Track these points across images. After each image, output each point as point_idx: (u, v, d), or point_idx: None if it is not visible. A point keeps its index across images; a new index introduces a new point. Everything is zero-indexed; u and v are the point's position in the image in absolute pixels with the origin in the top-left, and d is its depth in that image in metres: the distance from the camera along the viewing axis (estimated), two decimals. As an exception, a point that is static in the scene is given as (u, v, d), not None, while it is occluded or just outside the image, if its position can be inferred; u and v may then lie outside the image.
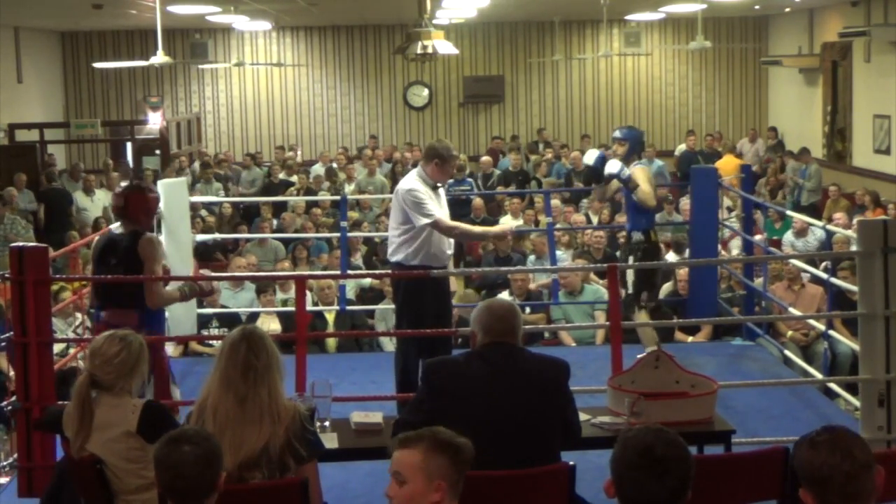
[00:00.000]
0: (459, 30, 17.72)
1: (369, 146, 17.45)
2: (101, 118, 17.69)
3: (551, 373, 3.65)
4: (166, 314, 6.29)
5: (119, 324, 5.14)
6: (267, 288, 8.61)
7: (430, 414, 3.48)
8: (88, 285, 6.31)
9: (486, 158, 15.60)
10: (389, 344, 8.06)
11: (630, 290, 6.95)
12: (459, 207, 10.77)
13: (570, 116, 19.08)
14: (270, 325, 8.33)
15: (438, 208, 5.73)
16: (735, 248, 10.19)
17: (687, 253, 8.76)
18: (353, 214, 12.26)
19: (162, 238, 6.71)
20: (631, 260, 6.90)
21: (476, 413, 3.48)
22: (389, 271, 6.18)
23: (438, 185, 5.81)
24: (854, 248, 6.62)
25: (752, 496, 3.76)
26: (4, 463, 5.50)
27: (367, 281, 9.50)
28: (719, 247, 8.74)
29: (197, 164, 16.32)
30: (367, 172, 15.25)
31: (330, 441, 4.07)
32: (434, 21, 10.45)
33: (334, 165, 15.76)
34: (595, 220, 11.76)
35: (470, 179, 13.92)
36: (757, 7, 16.70)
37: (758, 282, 7.81)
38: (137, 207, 5.39)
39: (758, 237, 8.85)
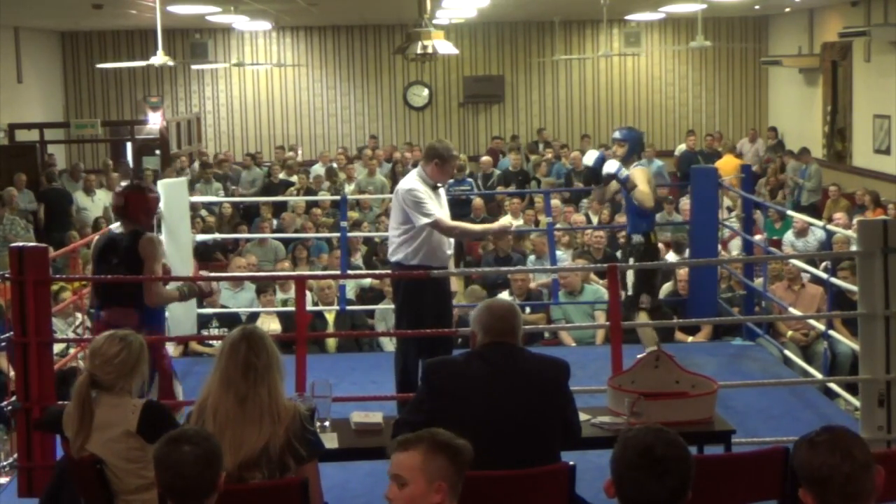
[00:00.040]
0: (459, 30, 17.72)
1: (369, 146, 17.45)
2: (101, 118, 17.69)
3: (551, 373, 3.65)
4: (166, 314, 6.29)
5: (119, 322, 5.15)
6: (267, 288, 8.61)
7: (430, 414, 3.48)
8: (88, 285, 6.32)
9: (486, 158, 15.61)
10: (389, 344, 8.06)
11: (630, 292, 6.94)
12: (459, 207, 10.77)
13: (570, 116, 19.08)
14: (270, 325, 8.33)
15: (439, 208, 5.73)
16: (735, 248, 10.20)
17: (687, 253, 8.76)
18: (353, 214, 12.26)
19: (162, 238, 6.71)
20: (631, 262, 6.90)
21: (476, 413, 3.49)
22: (389, 271, 6.19)
23: (438, 185, 5.81)
24: (854, 248, 6.62)
25: (752, 496, 3.76)
26: (4, 463, 5.50)
27: (367, 281, 9.50)
28: (719, 247, 8.74)
29: (196, 165, 16.31)
30: (367, 172, 15.25)
31: (330, 441, 4.07)
32: (434, 21, 10.45)
33: (334, 165, 15.76)
34: (595, 220, 11.76)
35: (470, 179, 13.92)
36: (757, 7, 16.70)
37: (758, 282, 7.82)
38: (137, 207, 5.40)
39: (758, 237, 8.85)
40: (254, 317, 8.52)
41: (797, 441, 2.46)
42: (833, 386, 6.50)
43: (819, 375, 6.86)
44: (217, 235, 10.42)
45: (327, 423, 4.25)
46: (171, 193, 7.47)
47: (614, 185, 7.03)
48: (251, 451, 3.31)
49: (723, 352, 7.55)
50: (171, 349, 7.50)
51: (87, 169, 16.11)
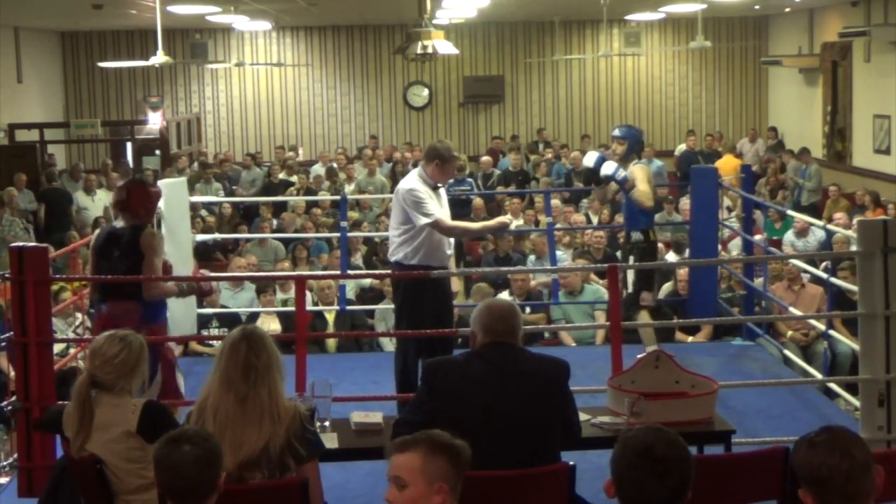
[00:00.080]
0: (459, 30, 17.71)
1: (369, 146, 17.45)
2: (101, 118, 17.69)
3: (551, 373, 3.65)
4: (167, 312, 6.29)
5: (122, 314, 5.17)
6: (267, 288, 8.61)
7: (430, 414, 3.48)
8: (89, 285, 6.31)
9: (486, 158, 15.61)
10: (389, 344, 8.06)
11: (630, 290, 6.94)
12: (459, 207, 10.77)
13: (570, 116, 19.08)
14: (270, 325, 8.33)
15: (439, 208, 5.73)
16: (735, 248, 10.19)
17: (687, 253, 8.76)
18: (353, 214, 12.26)
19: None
20: (631, 259, 6.90)
21: (476, 413, 3.49)
22: (389, 271, 6.19)
23: (439, 185, 5.82)
24: (854, 248, 6.62)
25: (752, 496, 3.76)
26: (4, 463, 5.50)
27: (367, 281, 9.49)
28: (719, 247, 8.74)
29: (196, 165, 16.30)
30: (367, 172, 15.25)
31: (330, 441, 4.07)
32: (434, 21, 10.45)
33: (334, 165, 15.76)
34: (595, 220, 11.77)
35: (470, 179, 13.92)
36: (757, 7, 16.70)
37: (758, 282, 7.82)
38: (139, 201, 5.40)
39: (758, 237, 8.85)
40: (254, 317, 8.52)
41: (797, 441, 2.46)
42: (833, 386, 6.50)
43: (819, 375, 6.86)
44: (217, 235, 10.42)
45: (327, 423, 4.25)
46: (171, 193, 7.46)
47: (615, 184, 7.03)
48: (251, 451, 3.31)
49: (723, 352, 7.54)
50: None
51: (87, 169, 16.11)
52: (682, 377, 4.59)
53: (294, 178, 15.09)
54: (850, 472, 2.35)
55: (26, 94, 16.70)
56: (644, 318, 6.86)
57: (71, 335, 7.41)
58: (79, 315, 7.68)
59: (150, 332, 5.22)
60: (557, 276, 8.30)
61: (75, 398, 3.61)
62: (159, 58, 11.06)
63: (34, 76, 17.07)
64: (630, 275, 7.07)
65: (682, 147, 17.46)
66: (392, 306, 6.86)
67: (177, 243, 7.35)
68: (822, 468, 2.36)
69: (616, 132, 7.16)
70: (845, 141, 15.42)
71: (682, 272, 8.23)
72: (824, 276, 7.08)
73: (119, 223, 5.45)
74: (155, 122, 17.30)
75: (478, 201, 12.28)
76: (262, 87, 18.78)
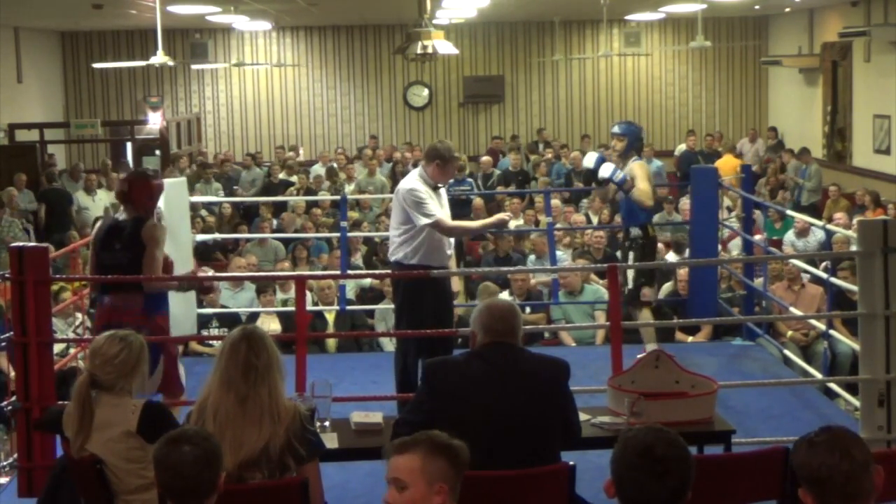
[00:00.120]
0: (459, 30, 17.72)
1: (369, 146, 17.45)
2: (101, 118, 17.69)
3: (551, 373, 3.65)
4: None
5: (124, 306, 5.16)
6: (267, 288, 8.61)
7: (430, 414, 3.48)
8: (89, 285, 6.31)
9: (486, 158, 15.61)
10: (389, 344, 8.06)
11: (630, 286, 6.93)
12: (459, 207, 10.78)
13: (570, 116, 19.08)
14: (270, 325, 8.33)
15: (439, 208, 5.73)
16: (735, 248, 10.20)
17: (687, 253, 8.76)
18: (353, 214, 12.26)
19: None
20: (630, 255, 6.90)
21: (476, 413, 3.49)
22: (389, 271, 6.18)
23: (439, 185, 5.82)
24: (854, 248, 6.62)
25: (752, 496, 3.76)
26: (4, 463, 5.50)
27: (367, 281, 9.49)
28: (719, 247, 8.74)
29: (194, 166, 16.30)
30: (368, 172, 15.25)
31: (330, 441, 4.07)
32: (434, 21, 10.45)
33: (335, 165, 15.76)
34: (595, 220, 11.77)
35: (470, 179, 13.92)
36: (757, 7, 16.70)
37: (758, 282, 7.82)
38: (141, 193, 5.39)
39: (758, 237, 8.85)
40: (254, 317, 8.52)
41: (797, 441, 2.46)
42: (833, 386, 6.50)
43: (819, 375, 6.86)
44: (217, 235, 10.42)
45: (327, 423, 4.25)
46: (171, 193, 7.45)
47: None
48: (251, 451, 3.31)
49: (723, 352, 7.54)
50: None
51: (87, 169, 16.11)
52: (682, 377, 4.59)
53: (294, 178, 15.09)
54: (850, 472, 2.35)
55: (26, 94, 16.70)
56: (645, 315, 6.86)
57: (71, 335, 7.41)
58: (79, 315, 7.68)
59: (152, 322, 5.24)
60: (557, 276, 8.30)
61: (75, 398, 3.61)
62: (159, 58, 11.06)
63: (34, 76, 17.07)
64: (630, 270, 7.06)
65: (682, 147, 17.46)
66: (392, 306, 6.86)
67: (177, 243, 7.33)
68: (822, 468, 2.36)
69: (616, 129, 7.15)
70: (845, 141, 15.42)
71: (682, 272, 8.23)
72: (824, 276, 7.08)
73: (121, 215, 5.44)
74: (155, 122, 17.30)
75: (478, 201, 12.28)
76: (262, 87, 18.78)
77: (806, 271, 7.93)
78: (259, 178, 15.81)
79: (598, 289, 8.58)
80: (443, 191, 5.87)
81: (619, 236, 8.16)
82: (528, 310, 8.47)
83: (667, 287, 8.56)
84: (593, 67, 18.83)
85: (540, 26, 18.66)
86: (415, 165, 12.34)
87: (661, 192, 11.44)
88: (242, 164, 16.48)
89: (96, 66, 16.66)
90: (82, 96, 18.61)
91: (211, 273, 6.28)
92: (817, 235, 10.70)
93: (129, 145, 17.84)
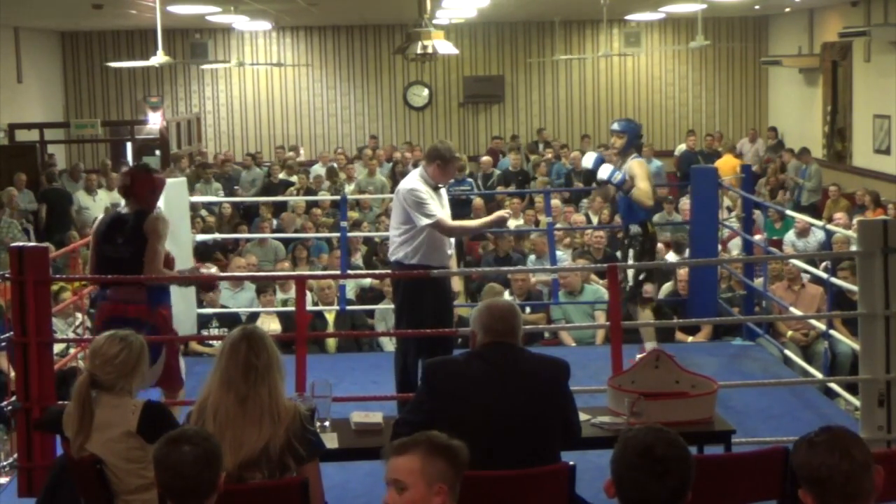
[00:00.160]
0: (459, 30, 17.72)
1: (369, 146, 17.45)
2: (101, 118, 17.69)
3: (551, 373, 3.65)
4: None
5: (127, 299, 5.16)
6: (267, 288, 8.61)
7: (430, 414, 3.48)
8: (89, 285, 6.31)
9: (486, 158, 15.61)
10: (389, 344, 8.06)
11: (631, 283, 6.93)
12: (459, 207, 10.78)
13: (570, 116, 19.09)
14: (270, 325, 8.33)
15: (440, 209, 5.73)
16: (735, 248, 10.20)
17: (687, 253, 8.76)
18: (353, 214, 12.26)
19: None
20: (630, 252, 6.90)
21: (476, 413, 3.49)
22: (389, 271, 6.18)
23: (439, 185, 5.82)
24: (854, 248, 6.62)
25: (752, 496, 3.76)
26: (4, 463, 5.50)
27: (367, 281, 9.50)
28: (719, 247, 8.74)
29: (193, 167, 16.29)
30: (368, 172, 15.25)
31: (330, 441, 4.07)
32: (434, 21, 10.45)
33: (335, 165, 15.77)
34: (595, 220, 11.77)
35: (470, 179, 13.92)
36: (757, 7, 16.70)
37: (758, 282, 7.82)
38: (143, 187, 5.38)
39: (758, 237, 8.85)
40: (254, 317, 8.52)
41: (797, 441, 2.46)
42: (833, 386, 6.50)
43: (819, 375, 6.86)
44: (217, 235, 10.41)
45: (327, 423, 4.25)
46: (172, 193, 7.45)
47: (614, 185, 7.02)
48: (251, 451, 3.31)
49: (723, 352, 7.54)
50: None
51: (87, 169, 16.11)
52: (682, 377, 4.59)
53: (294, 178, 15.09)
54: (850, 472, 2.35)
55: (26, 94, 16.70)
56: (646, 314, 6.86)
57: (71, 335, 7.41)
58: (79, 315, 7.68)
59: (156, 314, 5.24)
60: (557, 275, 8.30)
61: (75, 398, 3.61)
62: (159, 58, 11.06)
63: (34, 76, 17.07)
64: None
65: (682, 147, 17.46)
66: (392, 306, 6.86)
67: (177, 243, 7.34)
68: (822, 468, 2.36)
69: (615, 126, 7.14)
70: (845, 141, 15.42)
71: (682, 272, 8.24)
72: (824, 276, 7.08)
73: (123, 209, 5.43)
74: (155, 122, 17.30)
75: (478, 201, 12.28)
76: (262, 87, 18.78)
77: (806, 271, 7.93)
78: (259, 178, 15.80)
79: (598, 289, 8.58)
80: (443, 191, 5.88)
81: (619, 236, 8.16)
82: (528, 310, 8.47)
83: (667, 287, 8.56)
84: (593, 67, 18.83)
85: (540, 26, 18.66)
86: (415, 165, 12.34)
87: (660, 192, 11.44)
88: (242, 164, 16.47)
89: (111, 64, 16.62)
90: (82, 96, 18.61)
91: (214, 269, 6.25)
92: (817, 235, 10.69)
93: (129, 145, 17.85)
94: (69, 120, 17.46)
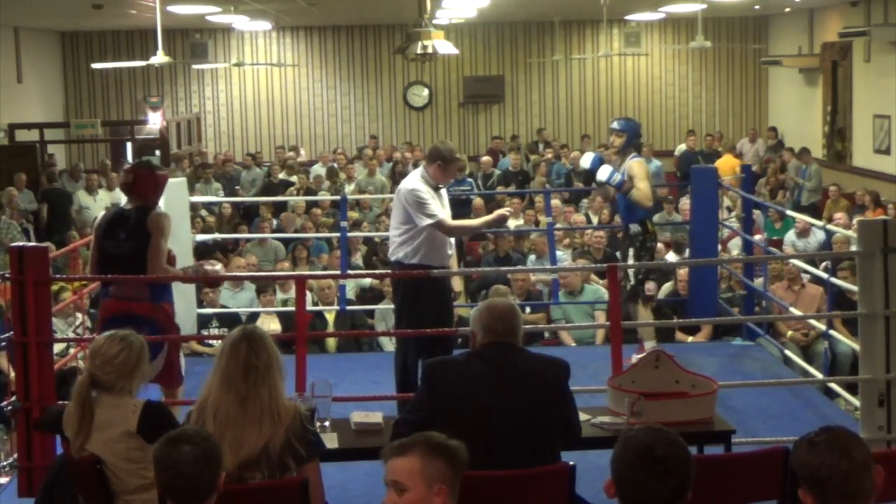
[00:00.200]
0: (459, 30, 17.72)
1: (369, 146, 17.45)
2: (101, 118, 17.69)
3: (551, 373, 3.65)
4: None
5: (130, 296, 5.16)
6: (267, 288, 8.61)
7: (430, 414, 3.49)
8: (89, 285, 6.31)
9: (486, 158, 15.61)
10: (389, 344, 8.06)
11: (632, 282, 6.92)
12: (459, 207, 10.78)
13: (570, 116, 19.09)
14: (270, 325, 8.33)
15: (441, 209, 5.74)
16: (735, 248, 10.20)
17: (687, 253, 8.76)
18: (353, 214, 12.26)
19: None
20: (630, 251, 6.89)
21: (476, 413, 3.49)
22: (389, 271, 6.18)
23: (440, 185, 5.83)
24: (854, 248, 6.62)
25: (752, 496, 3.76)
26: (4, 463, 5.50)
27: (367, 281, 9.50)
28: (719, 247, 8.74)
29: (192, 167, 16.29)
30: (368, 172, 15.25)
31: (330, 441, 4.07)
32: (434, 21, 10.45)
33: (335, 165, 15.77)
34: (595, 220, 11.78)
35: (470, 179, 13.93)
36: (757, 7, 16.70)
37: (758, 282, 7.82)
38: (146, 183, 5.37)
39: (758, 237, 8.85)
40: (254, 317, 8.53)
41: (796, 441, 2.47)
42: (833, 386, 6.50)
43: (819, 375, 6.86)
44: (217, 235, 10.41)
45: (327, 423, 4.25)
46: (172, 193, 7.44)
47: (614, 185, 7.02)
48: (251, 451, 3.31)
49: (723, 352, 7.54)
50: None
51: (87, 169, 16.11)
52: (682, 377, 4.59)
53: (294, 178, 15.09)
54: (850, 472, 2.35)
55: (26, 94, 16.70)
56: (646, 313, 6.86)
57: (71, 335, 7.41)
58: (79, 315, 7.68)
59: (160, 310, 5.24)
60: (557, 275, 8.30)
61: (75, 398, 3.61)
62: (159, 58, 11.06)
63: (34, 76, 17.06)
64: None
65: (682, 147, 17.46)
66: (392, 306, 6.86)
67: (177, 243, 7.33)
68: (822, 468, 2.36)
69: (614, 124, 7.13)
70: (845, 141, 15.42)
71: (682, 272, 8.24)
72: (824, 276, 7.08)
73: (126, 205, 5.43)
74: (155, 122, 17.30)
75: (478, 201, 12.27)
76: (262, 87, 18.78)
77: (806, 271, 7.92)
78: (259, 178, 15.80)
79: (598, 289, 8.58)
80: (444, 191, 5.88)
81: (619, 236, 8.17)
82: (528, 310, 8.47)
83: (667, 287, 8.56)
84: (593, 67, 18.83)
85: (540, 26, 18.66)
86: (415, 165, 12.33)
87: (660, 192, 11.44)
88: (242, 164, 16.47)
89: (97, 66, 16.65)
90: (82, 96, 18.61)
91: (219, 267, 6.22)
92: (817, 235, 10.70)
93: (129, 145, 17.84)
94: (69, 120, 17.45)
